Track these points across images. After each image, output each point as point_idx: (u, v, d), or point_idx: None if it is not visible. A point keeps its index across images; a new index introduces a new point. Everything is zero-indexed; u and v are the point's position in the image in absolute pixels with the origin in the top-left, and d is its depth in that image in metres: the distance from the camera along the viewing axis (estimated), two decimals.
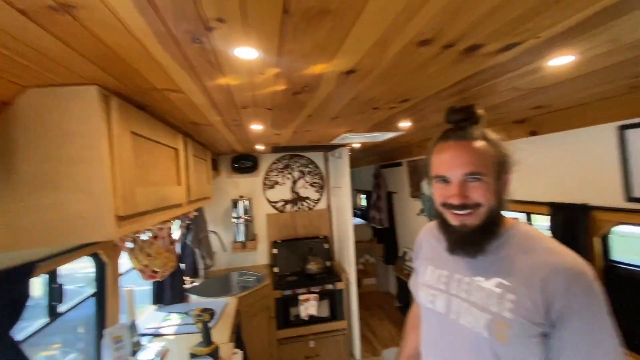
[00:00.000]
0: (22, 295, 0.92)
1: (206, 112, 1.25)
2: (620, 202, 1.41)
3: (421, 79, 0.96)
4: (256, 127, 1.61)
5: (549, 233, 1.70)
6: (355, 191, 5.72)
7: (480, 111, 0.75)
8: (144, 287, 2.19)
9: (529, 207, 1.89)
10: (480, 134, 0.73)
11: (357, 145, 2.71)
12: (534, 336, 0.64)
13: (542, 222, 1.96)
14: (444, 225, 0.78)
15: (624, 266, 1.48)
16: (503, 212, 0.76)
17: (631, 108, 1.33)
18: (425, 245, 0.93)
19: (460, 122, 0.75)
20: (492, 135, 0.75)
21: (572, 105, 1.47)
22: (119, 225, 0.89)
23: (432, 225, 0.92)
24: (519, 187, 1.95)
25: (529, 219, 2.01)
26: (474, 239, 0.72)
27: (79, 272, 2.04)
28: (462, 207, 0.71)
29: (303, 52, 0.71)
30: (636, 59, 0.89)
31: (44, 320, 1.20)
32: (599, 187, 1.51)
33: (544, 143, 1.78)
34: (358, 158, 4.24)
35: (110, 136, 0.88)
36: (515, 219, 0.79)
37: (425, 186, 2.50)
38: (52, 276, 1.21)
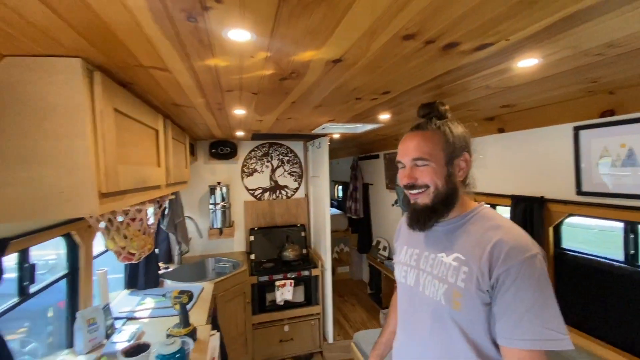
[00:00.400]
0: None
1: (190, 94, 1.24)
2: (572, 195, 1.56)
3: (402, 72, 1.02)
4: (239, 111, 1.61)
5: None
6: (333, 182, 5.81)
7: (443, 107, 0.87)
8: (115, 275, 2.14)
9: (493, 199, 2.04)
10: (439, 125, 0.84)
11: (337, 136, 2.76)
12: (482, 304, 0.73)
13: (504, 214, 2.13)
14: (408, 205, 0.90)
15: (572, 253, 1.65)
16: (463, 195, 0.86)
17: (586, 110, 1.48)
18: (403, 228, 1.03)
19: (426, 116, 0.88)
20: (456, 127, 0.86)
21: (535, 106, 1.60)
22: (101, 202, 0.88)
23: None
24: (485, 180, 2.10)
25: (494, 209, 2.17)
26: (423, 217, 0.84)
27: (41, 259, 1.96)
28: (411, 187, 0.84)
29: (295, 38, 0.74)
30: (592, 65, 1.00)
31: (14, 300, 1.16)
32: (555, 182, 1.66)
33: (510, 140, 1.93)
34: (337, 149, 4.30)
35: (93, 111, 0.87)
36: (481, 203, 0.89)
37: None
38: (24, 255, 1.17)
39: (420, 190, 0.83)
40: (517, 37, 0.77)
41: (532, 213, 1.71)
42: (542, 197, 1.68)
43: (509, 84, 1.20)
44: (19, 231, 1.07)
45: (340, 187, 5.76)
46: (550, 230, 1.69)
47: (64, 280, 1.45)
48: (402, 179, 0.85)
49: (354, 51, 0.83)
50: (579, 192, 1.53)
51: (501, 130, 1.94)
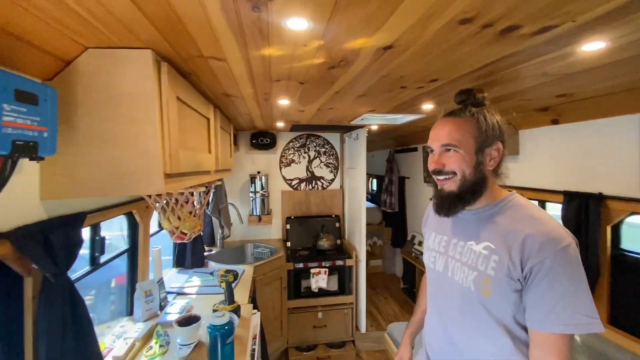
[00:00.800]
0: (76, 240, 1.02)
1: (241, 84, 1.31)
2: (636, 192, 1.44)
3: (454, 58, 1.00)
4: (283, 102, 1.66)
5: (560, 221, 1.74)
6: (367, 175, 5.77)
7: (481, 94, 0.86)
8: (164, 258, 2.32)
9: (543, 194, 1.93)
10: (473, 113, 0.83)
11: (375, 127, 2.75)
12: (512, 291, 0.75)
13: (554, 212, 2.00)
14: (435, 191, 0.92)
15: (634, 255, 1.52)
16: (493, 184, 0.87)
17: None
18: (431, 214, 1.06)
19: (462, 102, 0.87)
20: (491, 116, 0.85)
21: (596, 95, 1.49)
22: (166, 182, 0.97)
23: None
24: (534, 175, 1.99)
25: (542, 207, 2.06)
26: (448, 203, 0.86)
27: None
28: (438, 172, 0.85)
29: (350, 25, 0.76)
30: None
31: (86, 268, 1.32)
32: (615, 177, 1.54)
33: (565, 132, 1.80)
34: (373, 141, 4.27)
35: (160, 99, 0.95)
36: (512, 192, 0.88)
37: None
38: (95, 229, 1.32)
39: (447, 177, 0.84)
40: (585, 17, 0.73)
41: (587, 210, 1.60)
42: (600, 193, 1.56)
43: (569, 70, 1.12)
44: (92, 207, 1.20)
45: (375, 180, 5.71)
46: (608, 229, 1.57)
47: (123, 258, 1.61)
48: (430, 164, 0.88)
49: (407, 37, 0.83)
50: None
51: (555, 122, 1.82)
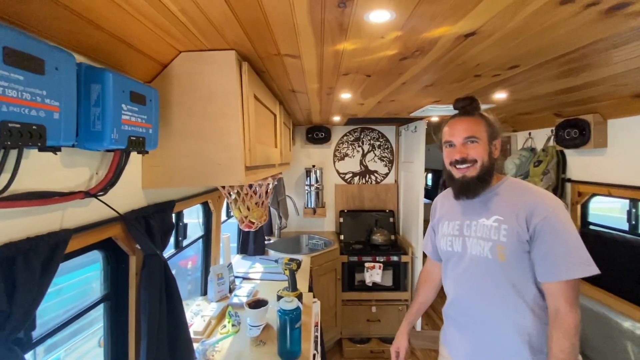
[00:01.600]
0: (169, 225, 1.15)
1: (308, 80, 1.35)
2: None
3: (544, 42, 0.92)
4: (345, 95, 1.67)
5: None
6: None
7: (477, 101, 1.04)
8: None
9: (635, 192, 1.70)
10: (480, 112, 1.04)
11: (435, 119, 2.64)
12: (523, 252, 0.93)
13: None
14: (451, 180, 1.07)
15: None
16: (496, 169, 1.05)
17: None
18: (439, 207, 1.21)
19: (463, 108, 1.05)
20: (488, 115, 1.05)
21: None
22: (246, 174, 1.05)
23: (442, 193, 1.24)
24: (624, 170, 1.76)
25: (635, 207, 1.81)
26: (472, 186, 1.01)
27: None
28: (463, 161, 1.01)
29: (434, 14, 0.74)
30: None
31: (172, 250, 1.47)
32: None
33: None
34: (428, 134, 4.09)
35: (242, 96, 1.02)
36: (506, 176, 1.08)
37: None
38: (179, 216, 1.46)
39: (469, 165, 1.01)
40: None
41: None
42: None
43: None
44: (178, 196, 1.34)
45: (430, 175, 5.49)
46: None
47: (197, 243, 1.77)
48: (453, 155, 1.03)
49: (494, 22, 0.79)
50: None
51: None
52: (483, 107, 1.96)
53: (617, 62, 1.09)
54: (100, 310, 1.04)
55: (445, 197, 1.19)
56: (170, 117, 1.02)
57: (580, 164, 2.08)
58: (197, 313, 1.57)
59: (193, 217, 1.73)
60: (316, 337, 1.58)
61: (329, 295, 2.66)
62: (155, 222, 1.05)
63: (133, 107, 0.81)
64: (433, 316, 3.29)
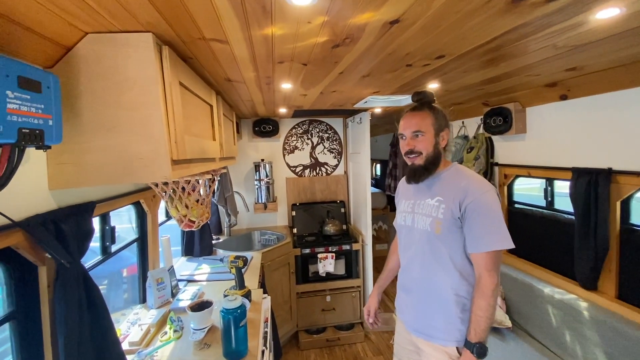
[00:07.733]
0: (87, 229, 1.03)
1: (243, 67, 1.29)
2: None
3: (462, 32, 0.97)
4: (286, 85, 1.63)
5: (567, 199, 1.73)
6: (371, 160, 5.76)
7: (432, 95, 1.20)
8: (173, 248, 2.35)
9: (551, 172, 1.91)
10: (429, 107, 1.18)
11: (378, 111, 2.71)
12: (456, 228, 1.12)
13: (562, 190, 1.99)
14: (406, 167, 1.24)
15: None
16: (443, 157, 1.21)
17: None
18: (401, 188, 1.41)
19: (419, 101, 1.21)
20: (440, 110, 1.19)
21: (608, 67, 1.45)
22: (173, 169, 0.97)
23: (404, 177, 1.36)
24: (541, 153, 1.97)
25: (550, 185, 2.04)
26: (418, 173, 1.20)
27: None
28: (411, 152, 1.18)
29: None
30: None
31: (98, 257, 1.33)
32: (626, 152, 1.51)
33: (573, 107, 1.77)
34: (376, 126, 4.23)
35: (164, 84, 0.94)
36: (454, 163, 1.23)
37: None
38: (105, 219, 1.32)
39: (416, 155, 1.18)
40: None
41: (596, 186, 1.58)
42: (609, 168, 1.54)
43: (581, 41, 1.09)
44: (101, 197, 1.20)
45: (379, 165, 5.69)
46: (618, 204, 1.56)
47: (133, 249, 1.63)
48: (403, 147, 1.21)
49: (415, 9, 0.81)
50: None
51: (564, 98, 1.79)
52: None
53: (529, 52, 1.19)
54: (5, 330, 0.90)
55: (405, 180, 1.38)
56: (79, 106, 0.90)
57: (505, 149, 2.29)
58: (135, 322, 1.45)
59: (125, 222, 1.59)
60: (266, 333, 1.54)
61: (282, 290, 2.63)
62: (68, 227, 0.93)
63: (23, 94, 0.69)
64: (385, 299, 3.44)
